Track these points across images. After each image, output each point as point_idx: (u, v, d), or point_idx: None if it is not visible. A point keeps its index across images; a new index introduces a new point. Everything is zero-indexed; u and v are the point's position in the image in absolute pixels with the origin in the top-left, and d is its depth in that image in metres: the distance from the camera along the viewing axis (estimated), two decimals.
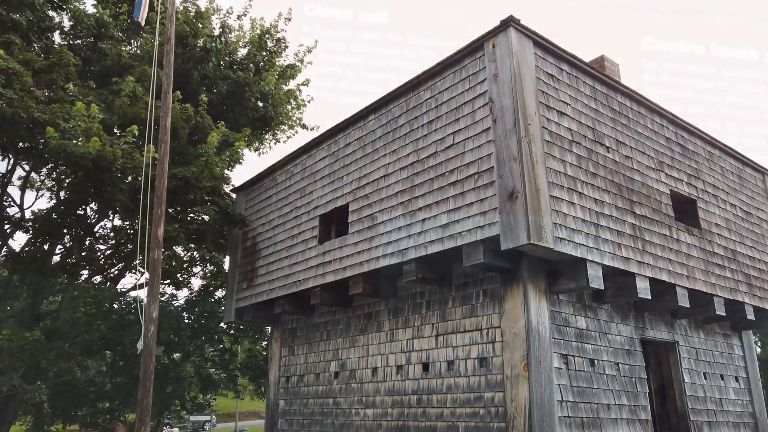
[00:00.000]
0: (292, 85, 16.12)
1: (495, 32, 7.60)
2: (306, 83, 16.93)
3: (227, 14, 14.31)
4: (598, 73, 8.59)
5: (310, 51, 15.87)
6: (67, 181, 10.37)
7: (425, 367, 8.46)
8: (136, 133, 8.93)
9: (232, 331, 14.63)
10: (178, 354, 13.66)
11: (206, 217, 10.58)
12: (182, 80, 12.99)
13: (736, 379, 10.39)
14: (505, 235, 6.86)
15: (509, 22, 7.41)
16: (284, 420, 11.19)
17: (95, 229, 11.71)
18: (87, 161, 8.68)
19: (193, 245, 13.00)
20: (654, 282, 8.29)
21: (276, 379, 11.73)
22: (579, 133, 7.93)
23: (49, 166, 10.65)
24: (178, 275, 13.40)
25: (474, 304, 7.99)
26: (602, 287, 7.30)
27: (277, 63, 15.23)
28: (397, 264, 8.37)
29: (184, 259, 13.74)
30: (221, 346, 14.32)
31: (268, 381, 12.00)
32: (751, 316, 9.82)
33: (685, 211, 9.59)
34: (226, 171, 13.02)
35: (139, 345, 6.39)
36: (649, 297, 7.89)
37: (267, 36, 15.23)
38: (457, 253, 7.64)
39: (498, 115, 7.32)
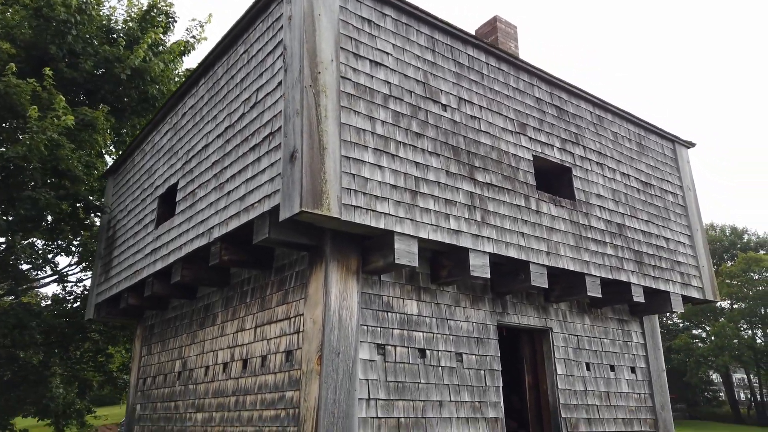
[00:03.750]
0: (191, 63, 14.95)
1: None
2: None
3: None
4: (440, 22, 7.45)
5: (203, 26, 14.73)
6: None
7: (245, 364, 7.34)
8: None
9: (113, 331, 13.49)
10: (40, 356, 12.49)
11: (41, 202, 9.40)
12: (41, 55, 11.83)
13: (632, 369, 9.26)
14: (284, 204, 5.73)
15: None
16: (139, 426, 10.07)
17: None
18: None
19: (43, 235, 11.86)
20: (503, 259, 7.18)
21: (135, 381, 10.61)
22: (402, 88, 6.79)
23: None
24: (24, 267, 12.26)
25: (287, 290, 6.87)
26: (415, 264, 6.16)
27: (165, 40, 14.07)
28: (206, 245, 7.26)
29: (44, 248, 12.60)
30: (92, 346, 13.19)
31: (129, 383, 10.89)
32: (639, 298, 8.67)
33: (555, 180, 8.47)
34: (83, 153, 11.81)
35: None
36: (488, 275, 6.75)
37: (155, 10, 14.09)
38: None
39: (288, 63, 6.18)
